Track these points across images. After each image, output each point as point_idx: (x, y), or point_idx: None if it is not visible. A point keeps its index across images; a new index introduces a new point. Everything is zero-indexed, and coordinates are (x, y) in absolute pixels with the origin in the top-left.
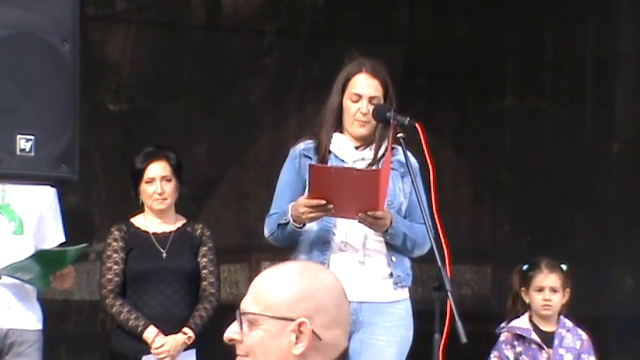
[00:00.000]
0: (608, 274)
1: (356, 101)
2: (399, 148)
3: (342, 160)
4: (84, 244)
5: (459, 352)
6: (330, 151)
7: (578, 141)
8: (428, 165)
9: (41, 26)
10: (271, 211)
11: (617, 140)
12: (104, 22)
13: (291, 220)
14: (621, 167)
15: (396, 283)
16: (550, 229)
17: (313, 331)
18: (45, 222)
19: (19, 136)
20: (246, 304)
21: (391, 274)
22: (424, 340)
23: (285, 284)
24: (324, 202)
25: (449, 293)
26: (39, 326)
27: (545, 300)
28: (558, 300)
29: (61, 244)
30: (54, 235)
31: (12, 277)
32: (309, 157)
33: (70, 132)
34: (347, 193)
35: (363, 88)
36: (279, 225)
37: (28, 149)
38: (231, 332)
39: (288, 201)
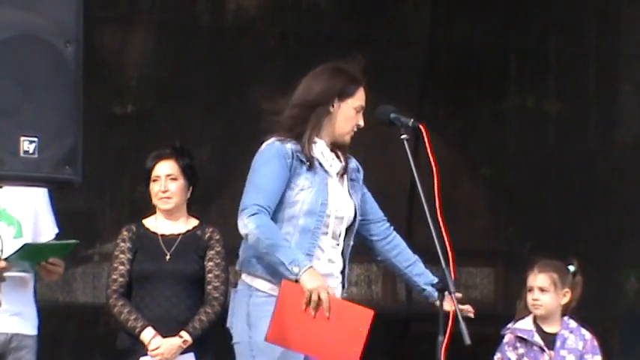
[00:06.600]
0: (613, 275)
1: (359, 112)
2: (352, 157)
3: (327, 172)
4: (74, 240)
5: (464, 353)
6: (312, 156)
7: (582, 141)
8: (432, 166)
9: (44, 28)
10: (262, 203)
11: (621, 140)
12: (109, 24)
13: (293, 273)
14: (625, 167)
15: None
16: (554, 230)
17: None
18: (39, 217)
19: (22, 138)
20: None
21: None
22: (428, 342)
23: None
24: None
25: (452, 295)
26: (35, 332)
27: (534, 300)
28: (549, 300)
29: (55, 237)
30: (47, 229)
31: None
32: (302, 162)
33: (74, 134)
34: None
35: (364, 102)
36: (281, 260)
37: (31, 151)
38: None
39: (278, 196)
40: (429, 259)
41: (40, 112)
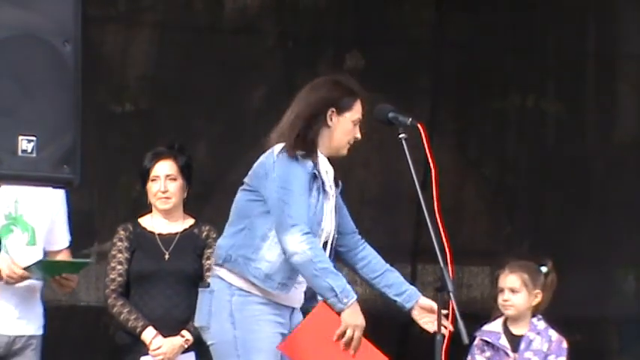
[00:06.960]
0: (611, 275)
1: (356, 125)
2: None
3: (326, 192)
4: (88, 260)
5: (463, 352)
6: (321, 175)
7: (580, 141)
8: (430, 165)
9: (43, 27)
10: (307, 221)
11: (620, 141)
12: (107, 23)
13: (342, 302)
14: (624, 168)
15: None
16: (552, 230)
17: None
18: (55, 226)
19: (20, 137)
20: None
21: None
22: (428, 344)
23: None
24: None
25: (451, 294)
26: (41, 332)
27: (504, 300)
28: (520, 300)
29: (68, 245)
30: (62, 238)
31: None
32: (315, 180)
33: (72, 133)
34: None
35: (361, 114)
36: (331, 286)
37: (29, 150)
38: None
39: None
40: (427, 258)
41: (38, 111)
